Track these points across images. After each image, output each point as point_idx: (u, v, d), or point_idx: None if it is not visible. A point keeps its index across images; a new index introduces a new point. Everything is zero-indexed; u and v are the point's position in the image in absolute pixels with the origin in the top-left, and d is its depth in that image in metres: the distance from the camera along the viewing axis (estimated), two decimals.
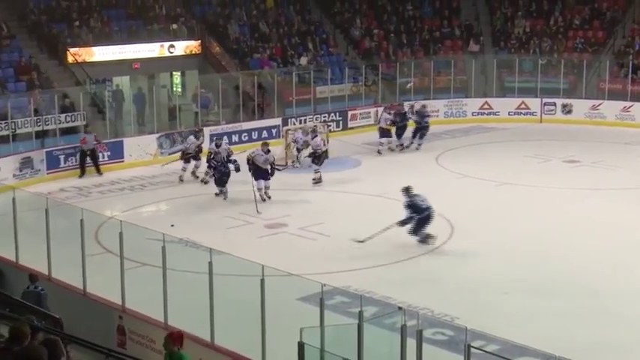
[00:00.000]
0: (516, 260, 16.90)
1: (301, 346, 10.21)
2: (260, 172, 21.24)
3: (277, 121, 29.27)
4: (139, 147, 26.15)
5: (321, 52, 34.66)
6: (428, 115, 28.34)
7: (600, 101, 32.90)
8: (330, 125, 29.18)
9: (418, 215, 17.50)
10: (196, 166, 24.21)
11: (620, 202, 21.04)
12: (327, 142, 25.22)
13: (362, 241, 17.45)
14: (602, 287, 15.30)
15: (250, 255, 13.28)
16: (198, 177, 23.82)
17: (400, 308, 11.03)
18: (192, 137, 24.83)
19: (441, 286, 15.45)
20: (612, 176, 24.00)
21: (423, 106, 28.77)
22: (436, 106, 33.08)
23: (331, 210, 20.71)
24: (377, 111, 31.39)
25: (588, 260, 16.75)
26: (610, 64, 33.95)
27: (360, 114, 31.74)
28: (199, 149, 24.56)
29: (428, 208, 17.58)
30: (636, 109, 31.79)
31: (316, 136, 24.30)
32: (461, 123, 32.27)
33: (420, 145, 27.46)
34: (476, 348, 10.07)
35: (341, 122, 30.90)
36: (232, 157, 22.10)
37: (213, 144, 22.99)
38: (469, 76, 34.59)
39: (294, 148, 25.59)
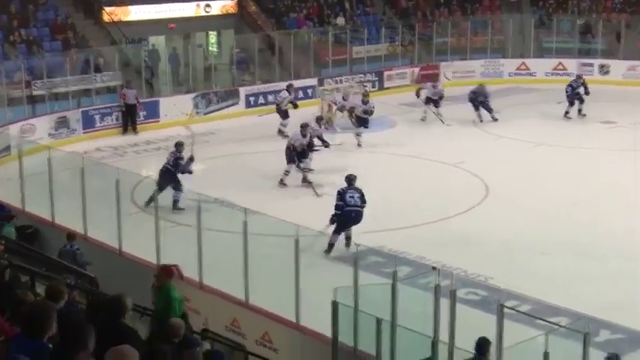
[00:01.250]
0: (552, 222, 16.81)
1: (335, 305, 10.29)
2: (300, 154, 20.16)
3: (313, 81, 29.19)
4: (175, 107, 26.20)
5: (357, 12, 34.40)
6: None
7: (638, 62, 32.42)
8: (366, 85, 29.03)
9: (339, 212, 15.20)
10: (283, 124, 24.12)
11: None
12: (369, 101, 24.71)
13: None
14: (632, 249, 15.19)
15: (285, 215, 13.33)
16: (283, 133, 23.55)
17: (434, 268, 11.07)
18: (284, 92, 24.89)
19: (475, 247, 15.41)
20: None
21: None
22: (473, 66, 32.82)
23: (367, 170, 20.60)
24: (413, 72, 31.31)
25: (626, 223, 16.59)
26: None
27: (397, 74, 31.56)
28: (293, 104, 24.68)
29: (351, 209, 15.12)
30: None
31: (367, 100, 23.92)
32: (497, 84, 31.88)
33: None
34: (509, 308, 10.09)
35: (377, 82, 30.76)
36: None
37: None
38: (506, 37, 34.21)
39: (335, 110, 25.40)
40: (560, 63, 33.23)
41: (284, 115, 24.52)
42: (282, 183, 19.54)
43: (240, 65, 29.63)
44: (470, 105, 25.82)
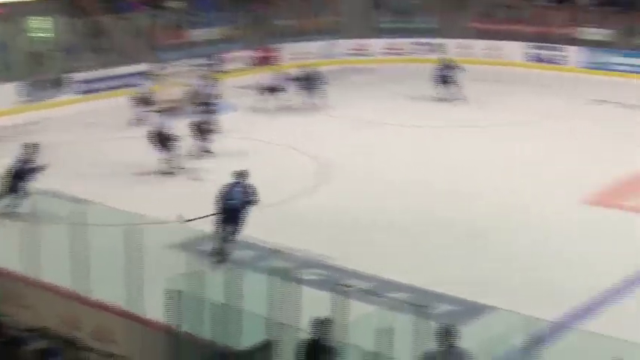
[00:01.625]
0: (390, 199, 17.11)
1: (174, 293, 10.10)
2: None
3: (148, 66, 28.60)
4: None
5: None
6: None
7: (471, 40, 33.43)
8: (204, 69, 28.67)
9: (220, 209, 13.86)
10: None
11: (488, 138, 21.55)
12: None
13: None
14: (469, 224, 15.65)
15: (121, 204, 13.01)
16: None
17: (275, 251, 11.06)
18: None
19: (316, 228, 15.49)
20: (481, 113, 24.51)
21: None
22: (310, 47, 33.00)
23: (206, 155, 20.43)
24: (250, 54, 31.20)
25: (464, 199, 17.09)
26: (480, 4, 34.44)
27: (235, 57, 31.35)
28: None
29: (231, 207, 13.71)
30: (503, 47, 32.52)
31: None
32: (335, 64, 32.26)
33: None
34: (349, 286, 10.19)
35: (216, 66, 30.46)
36: None
37: None
38: (343, 17, 34.55)
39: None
40: (396, 42, 33.86)
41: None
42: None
43: (72, 51, 28.70)
44: (299, 89, 25.36)
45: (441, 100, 25.84)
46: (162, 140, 18.94)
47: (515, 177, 18.52)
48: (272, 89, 25.25)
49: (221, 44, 31.67)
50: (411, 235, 15.10)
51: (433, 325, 8.85)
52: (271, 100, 25.13)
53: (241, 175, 14.00)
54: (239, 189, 13.74)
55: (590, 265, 13.71)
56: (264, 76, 26.16)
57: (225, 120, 21.85)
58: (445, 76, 25.94)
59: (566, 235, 15.06)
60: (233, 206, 13.55)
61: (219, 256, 13.08)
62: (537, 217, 15.97)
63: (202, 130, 20.49)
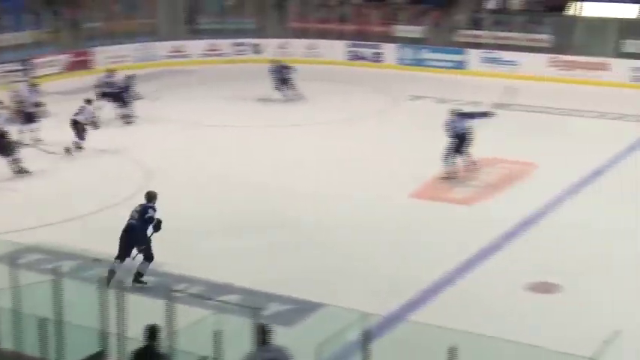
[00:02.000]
0: (211, 200, 17.01)
1: None
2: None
3: None
4: None
5: None
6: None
7: (288, 40, 33.78)
8: (10, 76, 27.58)
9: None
10: None
11: (312, 137, 21.79)
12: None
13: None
14: (295, 221, 15.75)
15: None
16: None
17: (97, 260, 10.74)
18: None
19: None
20: (302, 113, 24.77)
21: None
22: (125, 50, 32.40)
23: (29, 164, 19.68)
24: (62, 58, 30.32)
25: (280, 197, 17.18)
26: (295, 4, 34.84)
27: (46, 62, 30.34)
28: None
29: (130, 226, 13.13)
30: (321, 46, 33.02)
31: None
32: (152, 67, 31.80)
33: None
34: (178, 291, 10.02)
35: (26, 72, 29.34)
36: None
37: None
38: (159, 19, 34.16)
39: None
40: (213, 44, 33.78)
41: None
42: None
43: None
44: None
45: (287, 101, 25.91)
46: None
47: (343, 173, 18.79)
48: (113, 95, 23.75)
49: (31, 49, 30.57)
50: (239, 236, 15.03)
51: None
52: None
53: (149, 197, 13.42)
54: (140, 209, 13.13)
55: (421, 257, 14.08)
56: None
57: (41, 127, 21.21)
58: (283, 78, 26.00)
59: (395, 229, 15.41)
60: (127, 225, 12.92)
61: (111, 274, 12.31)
62: (366, 212, 16.26)
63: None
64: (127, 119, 23.35)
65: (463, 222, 15.79)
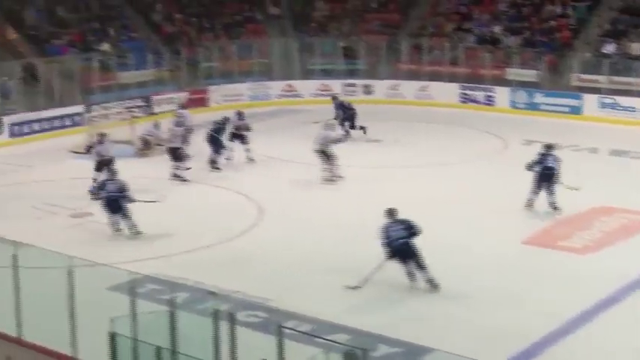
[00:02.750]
0: (326, 240, 17.12)
1: (112, 335, 9.96)
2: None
3: (79, 108, 28.38)
4: None
5: (122, 38, 33.84)
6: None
7: (399, 82, 33.95)
8: (134, 111, 28.55)
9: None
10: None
11: (422, 178, 21.73)
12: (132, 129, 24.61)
13: (355, 287, 14.46)
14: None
15: (57, 246, 12.82)
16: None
17: (212, 293, 10.98)
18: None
19: (253, 269, 15.45)
20: (413, 153, 24.79)
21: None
22: (240, 89, 33.17)
23: (139, 197, 20.26)
24: (180, 96, 31.23)
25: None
26: (406, 46, 35.01)
27: (165, 99, 31.32)
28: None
29: (399, 246, 14.44)
30: (432, 88, 32.99)
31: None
32: (265, 106, 32.41)
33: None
34: (288, 328, 10.15)
35: (145, 108, 30.36)
36: None
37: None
38: (272, 60, 34.82)
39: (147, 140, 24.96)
40: (325, 84, 34.20)
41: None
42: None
43: (3, 94, 28.40)
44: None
45: (396, 141, 26.16)
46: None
47: (452, 216, 18.64)
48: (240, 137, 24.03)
49: (153, 86, 31.62)
50: (348, 275, 15.10)
51: None
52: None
53: (391, 213, 14.75)
54: (397, 227, 14.48)
55: (533, 305, 13.83)
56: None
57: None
58: (347, 116, 26.53)
59: (507, 275, 15.20)
60: (400, 245, 14.33)
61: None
62: (477, 257, 16.07)
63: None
64: (249, 156, 23.80)
65: (577, 272, 15.44)
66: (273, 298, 13.61)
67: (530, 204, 18.83)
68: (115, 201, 17.27)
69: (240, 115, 24.22)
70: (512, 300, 14.09)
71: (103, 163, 20.03)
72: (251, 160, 23.57)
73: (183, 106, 25.83)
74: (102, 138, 20.85)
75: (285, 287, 14.34)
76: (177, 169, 21.67)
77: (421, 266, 14.37)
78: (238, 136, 23.72)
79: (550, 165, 18.72)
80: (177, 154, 21.73)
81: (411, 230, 14.42)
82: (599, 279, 14.88)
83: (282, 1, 38.69)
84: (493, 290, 14.50)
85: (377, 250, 16.27)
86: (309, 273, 15.19)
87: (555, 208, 18.60)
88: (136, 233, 17.24)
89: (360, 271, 15.11)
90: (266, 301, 13.60)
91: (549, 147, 19.11)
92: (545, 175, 18.67)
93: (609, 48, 31.98)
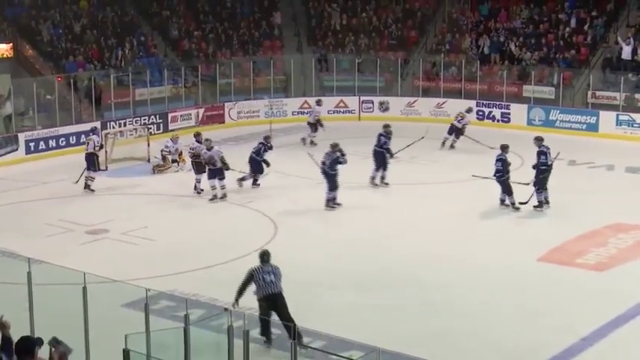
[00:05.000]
0: (341, 256, 17.18)
1: (126, 353, 10.03)
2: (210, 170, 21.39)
3: (96, 124, 28.50)
4: None
5: (139, 54, 34.08)
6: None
7: (415, 98, 34.01)
8: (150, 128, 28.74)
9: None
10: (311, 136, 28.87)
11: (437, 197, 21.72)
12: (148, 145, 24.87)
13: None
14: (420, 280, 15.77)
15: (71, 263, 12.91)
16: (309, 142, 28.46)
17: (226, 309, 11.05)
18: (316, 107, 29.78)
19: None
20: (429, 171, 24.81)
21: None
22: (257, 106, 33.31)
23: (155, 213, 20.42)
24: (197, 113, 31.43)
25: (405, 255, 17.21)
26: (423, 62, 35.08)
27: (181, 116, 31.49)
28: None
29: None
30: (449, 105, 32.99)
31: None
32: (282, 122, 32.52)
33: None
34: (302, 345, 10.19)
35: (162, 124, 30.54)
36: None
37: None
38: (288, 76, 34.96)
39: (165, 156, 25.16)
40: (341, 100, 34.30)
41: (313, 128, 28.86)
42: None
43: (21, 110, 28.67)
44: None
45: (412, 159, 25.98)
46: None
47: (469, 233, 18.72)
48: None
49: (170, 102, 31.80)
50: (362, 292, 15.15)
51: None
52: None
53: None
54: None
55: (549, 322, 13.83)
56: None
57: (172, 176, 21.93)
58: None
59: (524, 292, 15.24)
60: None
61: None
62: (493, 274, 16.14)
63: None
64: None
65: (594, 289, 15.45)
66: None
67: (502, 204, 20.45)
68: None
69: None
70: (530, 317, 14.12)
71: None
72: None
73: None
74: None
75: (299, 303, 14.34)
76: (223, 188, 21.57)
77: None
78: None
79: (496, 167, 20.28)
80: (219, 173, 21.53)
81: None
82: (615, 296, 14.90)
83: (298, 16, 38.87)
84: (511, 307, 14.56)
85: (390, 266, 16.40)
86: (321, 289, 15.22)
87: (516, 207, 20.20)
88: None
89: (373, 286, 15.18)
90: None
91: (503, 148, 20.73)
92: (496, 178, 20.35)
93: (627, 50, 31.85)
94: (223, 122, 32.51)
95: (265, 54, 36.37)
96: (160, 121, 30.53)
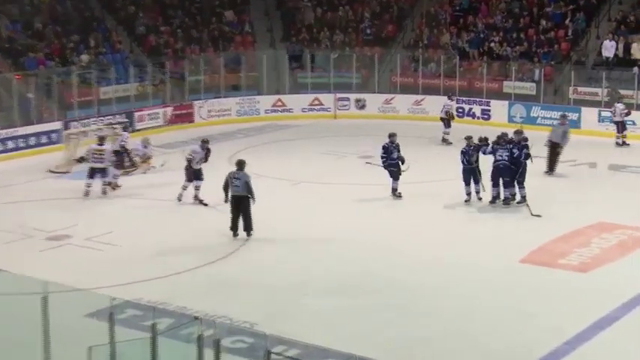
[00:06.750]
0: (314, 261, 17.09)
1: None
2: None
3: (57, 125, 28.28)
4: None
5: (103, 50, 33.79)
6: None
7: (393, 95, 34.02)
8: (116, 127, 28.44)
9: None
10: (445, 132, 28.88)
11: (412, 198, 21.64)
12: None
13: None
14: (401, 283, 15.70)
15: (31, 271, 12.74)
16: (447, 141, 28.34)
17: (196, 318, 10.93)
18: (448, 101, 29.52)
19: (239, 293, 15.34)
20: (406, 172, 24.73)
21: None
22: (228, 104, 33.18)
23: (120, 218, 20.24)
24: (165, 112, 31.22)
25: (385, 258, 17.15)
26: (401, 58, 35.09)
27: (148, 114, 31.28)
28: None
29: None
30: (427, 102, 33.02)
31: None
32: (254, 121, 32.43)
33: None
34: (276, 354, 10.10)
35: (128, 124, 30.27)
36: None
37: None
38: (261, 73, 34.85)
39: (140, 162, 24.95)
40: (316, 98, 34.23)
41: (447, 124, 28.92)
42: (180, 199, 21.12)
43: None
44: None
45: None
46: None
47: (449, 236, 18.69)
48: None
49: (133, 101, 31.56)
50: (339, 297, 15.06)
51: None
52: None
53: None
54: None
55: (533, 325, 13.83)
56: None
57: (138, 179, 21.78)
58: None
59: (506, 295, 15.22)
60: None
61: None
62: (474, 276, 16.09)
63: None
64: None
65: (579, 290, 15.46)
66: (259, 322, 13.51)
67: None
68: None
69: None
70: (516, 318, 14.12)
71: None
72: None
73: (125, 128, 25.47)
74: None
75: (272, 311, 14.26)
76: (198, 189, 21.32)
77: None
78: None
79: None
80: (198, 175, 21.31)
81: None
82: (599, 297, 14.95)
83: (271, 11, 38.78)
84: (495, 310, 14.53)
85: (369, 269, 16.34)
86: (296, 296, 15.12)
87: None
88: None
89: (351, 293, 15.12)
90: (252, 325, 13.52)
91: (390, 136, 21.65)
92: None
93: (610, 50, 32.02)
94: (193, 122, 32.36)
95: (237, 50, 36.22)
96: (127, 120, 30.24)
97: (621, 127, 28.55)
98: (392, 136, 21.86)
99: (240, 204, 18.06)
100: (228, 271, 16.60)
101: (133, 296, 14.03)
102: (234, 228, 18.17)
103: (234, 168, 18.48)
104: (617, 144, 28.41)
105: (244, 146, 27.66)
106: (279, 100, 34.08)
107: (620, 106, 28.53)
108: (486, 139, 21.32)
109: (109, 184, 22.17)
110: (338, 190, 22.46)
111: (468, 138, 21.48)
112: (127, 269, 16.44)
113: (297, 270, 16.51)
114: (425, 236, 18.62)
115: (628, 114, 28.52)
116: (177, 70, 33.73)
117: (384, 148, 21.77)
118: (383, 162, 21.69)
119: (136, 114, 30.87)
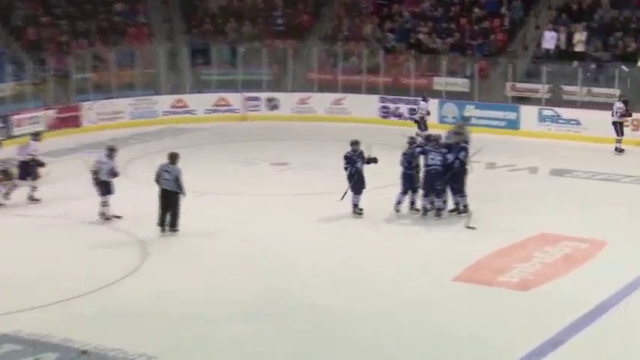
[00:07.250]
0: (220, 282, 16.99)
1: None
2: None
3: None
4: None
5: None
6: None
7: (309, 94, 34.09)
8: None
9: None
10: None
11: (334, 209, 21.69)
12: None
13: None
14: (315, 306, 15.69)
15: None
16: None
17: (84, 352, 10.78)
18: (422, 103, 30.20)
19: (137, 320, 15.15)
20: (325, 179, 24.79)
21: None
22: (120, 105, 32.90)
23: None
24: (47, 114, 30.76)
25: (298, 277, 17.16)
26: (318, 52, 35.22)
27: (28, 118, 30.83)
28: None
29: None
30: (349, 101, 33.20)
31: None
32: (151, 125, 32.19)
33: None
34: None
35: (4, 130, 29.78)
36: None
37: None
38: (158, 70, 34.65)
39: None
40: (222, 98, 34.16)
41: (422, 126, 29.57)
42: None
43: None
44: None
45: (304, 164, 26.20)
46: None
47: (370, 250, 18.79)
48: None
49: (10, 103, 31.09)
50: (253, 321, 15.00)
51: None
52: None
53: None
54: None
55: (470, 351, 13.94)
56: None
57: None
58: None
59: (439, 318, 15.26)
60: None
61: None
62: (402, 297, 16.16)
63: None
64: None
65: (519, 311, 15.60)
66: (159, 354, 13.37)
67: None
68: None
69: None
70: (445, 345, 14.11)
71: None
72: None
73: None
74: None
75: (176, 340, 14.13)
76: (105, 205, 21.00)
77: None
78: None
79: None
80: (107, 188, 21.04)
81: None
82: (542, 318, 15.08)
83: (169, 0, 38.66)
84: (431, 337, 14.48)
85: (281, 289, 16.30)
86: (203, 322, 14.99)
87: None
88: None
89: (262, 314, 15.06)
90: (150, 359, 13.37)
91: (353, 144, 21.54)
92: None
93: (550, 41, 32.53)
94: (79, 126, 32.01)
95: (130, 44, 35.96)
96: (2, 125, 29.75)
97: (620, 129, 28.40)
98: (354, 144, 21.69)
99: (169, 199, 19.50)
100: (124, 296, 16.36)
101: (11, 328, 13.81)
102: (161, 224, 19.58)
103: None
104: (617, 150, 28.35)
105: (139, 153, 27.35)
106: (180, 100, 33.98)
107: (619, 105, 28.52)
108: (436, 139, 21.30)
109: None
110: (249, 202, 22.40)
111: (412, 139, 21.66)
112: (3, 297, 16.10)
113: (202, 294, 16.37)
114: (345, 253, 18.64)
115: (627, 115, 28.50)
116: (61, 68, 33.42)
117: (346, 157, 21.63)
118: (347, 174, 21.55)
119: (13, 118, 30.33)
